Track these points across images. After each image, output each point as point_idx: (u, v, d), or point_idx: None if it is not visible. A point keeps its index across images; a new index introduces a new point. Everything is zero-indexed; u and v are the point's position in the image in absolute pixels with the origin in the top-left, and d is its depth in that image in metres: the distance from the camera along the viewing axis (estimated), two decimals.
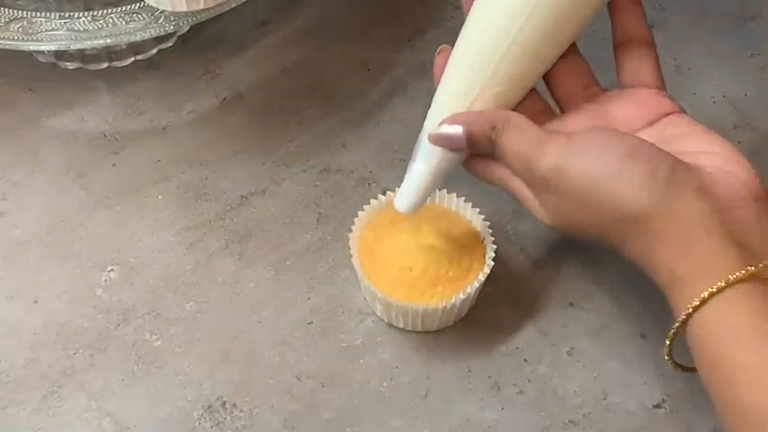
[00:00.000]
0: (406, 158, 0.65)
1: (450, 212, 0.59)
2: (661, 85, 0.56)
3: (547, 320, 0.59)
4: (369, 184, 0.64)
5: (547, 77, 0.57)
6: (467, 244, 0.57)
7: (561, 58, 0.55)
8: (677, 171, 0.48)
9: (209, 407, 0.56)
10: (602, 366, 0.57)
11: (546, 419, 0.55)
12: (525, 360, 0.58)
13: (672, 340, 0.49)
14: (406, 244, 0.57)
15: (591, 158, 0.49)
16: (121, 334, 0.58)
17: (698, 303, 0.46)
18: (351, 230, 0.58)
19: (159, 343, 0.58)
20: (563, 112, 0.57)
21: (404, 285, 0.56)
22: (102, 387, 0.57)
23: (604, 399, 0.56)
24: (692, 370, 0.49)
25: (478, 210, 0.59)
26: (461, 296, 0.55)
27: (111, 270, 0.61)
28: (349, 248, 0.57)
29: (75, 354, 0.58)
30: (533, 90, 0.56)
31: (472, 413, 0.56)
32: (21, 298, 0.60)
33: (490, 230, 0.58)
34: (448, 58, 0.54)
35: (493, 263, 0.57)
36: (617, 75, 0.57)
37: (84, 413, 0.56)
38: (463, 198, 0.59)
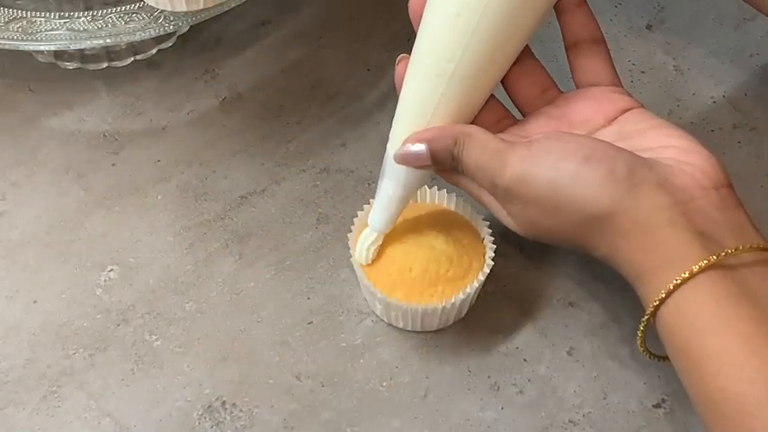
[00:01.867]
0: None
1: (450, 212, 0.59)
2: (617, 82, 0.56)
3: (547, 320, 0.59)
4: (369, 184, 0.64)
5: (505, 84, 0.57)
6: (467, 244, 0.57)
7: (517, 63, 0.56)
8: (635, 168, 0.49)
9: (209, 407, 0.56)
10: (602, 366, 0.57)
11: (546, 419, 0.55)
12: (525, 360, 0.58)
13: (643, 332, 0.50)
14: (405, 244, 0.57)
15: (550, 166, 0.50)
16: (121, 334, 0.58)
17: (664, 295, 0.48)
18: (351, 230, 0.58)
19: (159, 343, 0.58)
20: (524, 116, 0.57)
21: (404, 285, 0.56)
22: (102, 387, 0.57)
23: (604, 399, 0.56)
24: (666, 359, 0.50)
25: (478, 210, 0.59)
26: (461, 296, 0.55)
27: (111, 270, 0.61)
28: (349, 248, 0.57)
29: (74, 354, 0.58)
30: (493, 97, 0.56)
31: (472, 413, 0.56)
32: (20, 298, 0.60)
33: (490, 230, 0.58)
34: (406, 66, 0.54)
35: (493, 263, 0.57)
36: (572, 76, 0.57)
37: (83, 413, 0.56)
38: (463, 198, 0.59)
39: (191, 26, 0.66)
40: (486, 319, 0.59)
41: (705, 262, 0.47)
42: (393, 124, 0.55)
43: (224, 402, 0.56)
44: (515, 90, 0.57)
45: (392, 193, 0.55)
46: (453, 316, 0.58)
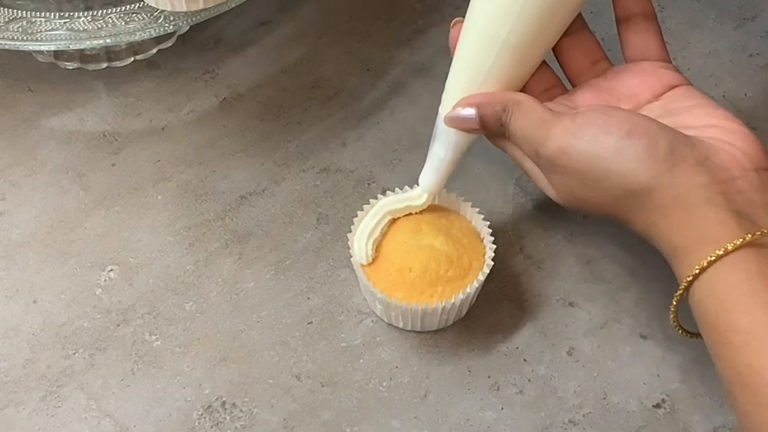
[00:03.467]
0: (406, 158, 0.65)
1: (450, 212, 0.59)
2: (666, 58, 0.57)
3: (547, 320, 0.59)
4: (368, 184, 0.64)
5: (557, 53, 0.58)
6: (467, 244, 0.57)
7: (570, 34, 0.57)
8: (676, 146, 0.50)
9: (209, 407, 0.56)
10: (602, 366, 0.57)
11: (546, 419, 0.55)
12: (525, 360, 0.58)
13: (676, 306, 0.51)
14: (405, 244, 0.57)
15: (593, 138, 0.51)
16: (121, 334, 0.58)
17: (698, 271, 0.48)
18: (350, 230, 0.58)
19: (159, 343, 0.58)
20: (573, 86, 0.58)
21: (404, 285, 0.56)
22: (102, 387, 0.57)
23: (604, 399, 0.56)
24: (698, 335, 0.51)
25: (478, 210, 0.59)
26: (461, 296, 0.55)
27: (111, 270, 0.61)
28: (348, 248, 0.57)
29: (74, 354, 0.58)
30: (545, 64, 0.57)
31: (472, 413, 0.56)
32: (20, 298, 0.60)
33: (490, 230, 0.58)
34: (460, 30, 0.56)
35: (493, 263, 0.57)
36: (622, 50, 0.58)
37: (83, 413, 0.56)
38: (463, 198, 0.59)
39: (191, 26, 0.66)
40: (486, 319, 0.59)
41: (740, 240, 0.48)
42: (445, 87, 0.56)
43: (224, 402, 0.56)
44: (567, 60, 0.58)
45: (443, 156, 0.56)
46: (453, 316, 0.58)
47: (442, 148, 0.56)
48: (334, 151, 0.66)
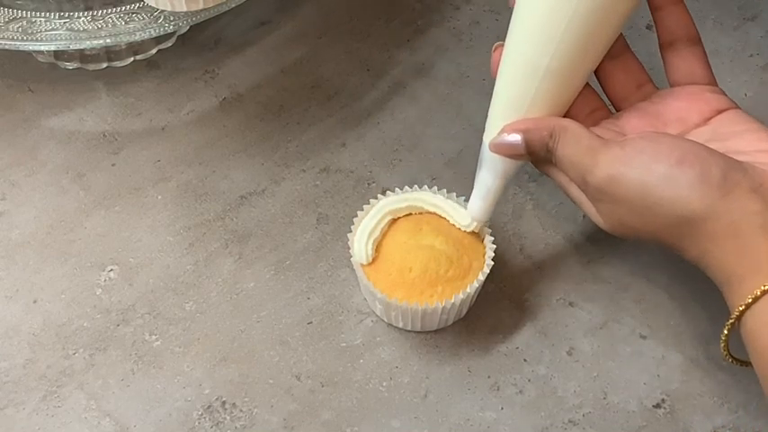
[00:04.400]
0: (406, 158, 0.65)
1: (450, 212, 0.59)
2: (713, 82, 0.56)
3: (547, 320, 0.59)
4: (368, 184, 0.64)
5: (600, 77, 0.57)
6: (467, 244, 0.57)
7: (613, 57, 0.56)
8: (729, 172, 0.49)
9: (209, 407, 0.56)
10: (602, 366, 0.57)
11: (546, 419, 0.55)
12: (525, 360, 0.58)
13: (727, 335, 0.50)
14: (405, 244, 0.57)
15: (643, 167, 0.50)
16: (121, 334, 0.58)
17: (751, 300, 0.47)
18: (350, 230, 0.58)
19: (159, 343, 0.58)
20: (618, 110, 0.57)
21: (404, 285, 0.56)
22: (102, 387, 0.57)
23: (604, 399, 0.56)
24: (748, 364, 0.50)
25: None
26: (461, 296, 0.55)
27: (111, 270, 0.61)
28: (349, 248, 0.57)
29: (74, 354, 0.58)
30: (588, 86, 0.56)
31: (472, 413, 0.56)
32: (20, 298, 0.60)
33: (490, 230, 0.58)
34: (501, 54, 0.55)
35: (493, 263, 0.57)
36: (666, 74, 0.57)
37: (83, 413, 0.56)
38: (463, 198, 0.59)
39: (191, 26, 0.66)
40: (487, 320, 0.59)
41: None
42: (489, 114, 0.55)
43: (224, 402, 0.56)
44: (610, 84, 0.57)
45: (490, 184, 0.56)
46: (453, 316, 0.58)
47: (489, 175, 0.55)
48: (334, 151, 0.66)
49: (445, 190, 0.59)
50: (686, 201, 0.49)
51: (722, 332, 0.50)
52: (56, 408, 0.56)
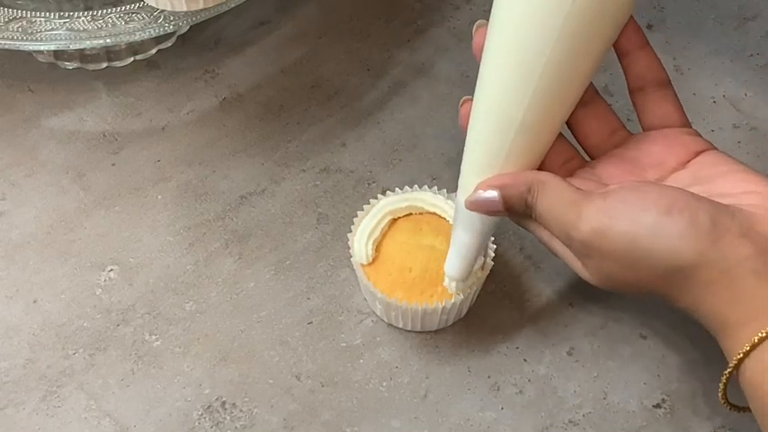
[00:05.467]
0: (406, 158, 0.65)
1: (450, 212, 0.59)
2: (687, 123, 0.55)
3: (547, 320, 0.59)
4: (369, 184, 0.64)
5: (572, 126, 0.56)
6: None
7: (585, 105, 0.55)
8: (718, 218, 0.48)
9: (209, 407, 0.56)
10: (602, 366, 0.57)
11: (546, 419, 0.55)
12: (525, 360, 0.58)
13: (726, 384, 0.49)
14: (406, 244, 0.57)
15: (630, 219, 0.49)
16: (121, 334, 0.58)
17: (749, 348, 0.46)
18: (350, 230, 0.58)
19: (159, 343, 0.58)
20: (592, 158, 0.56)
21: (404, 285, 0.56)
22: (102, 387, 0.56)
23: (604, 399, 0.56)
24: (746, 410, 0.49)
25: None
26: (461, 296, 0.55)
27: (111, 270, 0.61)
28: (349, 248, 0.57)
29: (74, 354, 0.58)
30: (560, 136, 0.55)
31: (472, 413, 0.56)
32: (20, 298, 0.60)
33: None
34: (470, 108, 0.53)
35: (493, 263, 0.57)
36: (639, 119, 0.56)
37: (83, 413, 0.56)
38: None
39: (191, 26, 0.66)
40: (487, 320, 0.59)
41: None
42: (461, 171, 0.54)
43: (224, 402, 0.56)
44: (583, 132, 0.56)
45: (468, 242, 0.54)
46: (453, 316, 0.58)
47: (466, 234, 0.54)
48: (334, 151, 0.66)
49: (445, 190, 0.59)
50: (677, 251, 0.48)
51: (720, 381, 0.49)
52: (56, 408, 0.56)
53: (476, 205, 0.52)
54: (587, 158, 0.56)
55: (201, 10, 0.63)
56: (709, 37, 0.72)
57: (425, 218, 0.58)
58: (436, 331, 0.58)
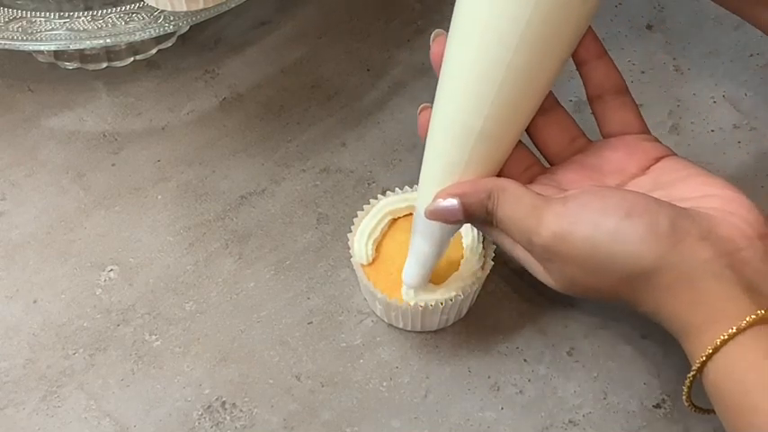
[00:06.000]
0: (406, 158, 0.66)
1: None
2: (646, 130, 0.55)
3: (547, 320, 0.59)
4: (369, 184, 0.64)
5: (532, 134, 0.56)
6: (466, 244, 0.57)
7: (544, 113, 0.55)
8: (678, 222, 0.48)
9: (209, 407, 0.56)
10: (602, 366, 0.57)
11: (546, 419, 0.55)
12: (525, 360, 0.58)
13: (689, 387, 0.49)
14: (405, 244, 0.56)
15: (590, 223, 0.49)
16: (121, 334, 0.58)
17: (711, 351, 0.47)
18: (350, 230, 0.58)
19: (159, 343, 0.58)
20: (552, 165, 0.56)
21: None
22: (102, 387, 0.57)
23: (604, 399, 0.56)
24: (711, 412, 0.49)
25: None
26: (461, 296, 0.55)
27: (111, 270, 0.61)
28: (349, 248, 0.57)
29: (74, 354, 0.58)
30: (520, 143, 0.55)
31: (472, 413, 0.56)
32: (20, 298, 0.60)
33: None
34: (429, 116, 0.53)
35: (493, 263, 0.57)
36: (599, 127, 0.56)
37: (83, 413, 0.56)
38: None
39: (191, 26, 0.66)
40: (487, 320, 0.59)
41: (753, 317, 0.46)
42: (420, 180, 0.54)
43: (224, 402, 0.56)
44: (543, 140, 0.56)
45: (427, 250, 0.54)
46: (453, 316, 0.58)
47: (426, 242, 0.53)
48: (334, 151, 0.66)
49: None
50: (637, 254, 0.48)
51: (684, 384, 0.49)
52: (56, 408, 0.56)
53: (436, 214, 0.52)
54: (548, 166, 0.56)
55: (201, 10, 0.63)
56: (709, 37, 0.72)
57: None
58: (436, 331, 0.58)
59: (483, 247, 0.57)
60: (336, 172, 0.65)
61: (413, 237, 0.54)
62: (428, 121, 0.53)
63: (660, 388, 0.56)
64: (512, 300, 0.60)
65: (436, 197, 0.52)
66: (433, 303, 0.55)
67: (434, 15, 0.73)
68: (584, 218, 0.49)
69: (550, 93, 0.55)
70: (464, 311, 0.58)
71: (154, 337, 0.58)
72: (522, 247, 0.52)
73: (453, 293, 0.55)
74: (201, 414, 0.56)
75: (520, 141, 0.54)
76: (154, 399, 0.56)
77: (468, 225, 0.57)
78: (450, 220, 0.52)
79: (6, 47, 0.63)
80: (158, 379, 0.57)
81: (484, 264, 0.57)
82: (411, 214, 0.58)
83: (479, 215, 0.52)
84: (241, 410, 0.56)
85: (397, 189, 0.59)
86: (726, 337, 0.46)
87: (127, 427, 0.55)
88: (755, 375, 0.46)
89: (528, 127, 0.54)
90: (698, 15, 0.73)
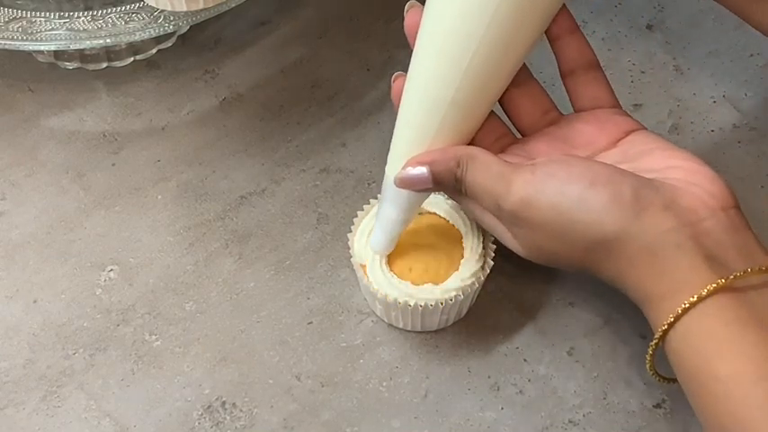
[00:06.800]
0: None
1: (450, 212, 0.59)
2: (617, 104, 0.56)
3: (547, 320, 0.59)
4: (369, 184, 0.64)
5: (505, 106, 0.57)
6: (466, 244, 0.57)
7: (517, 86, 0.55)
8: (641, 191, 0.49)
9: (209, 407, 0.56)
10: (602, 366, 0.57)
11: (546, 419, 0.55)
12: (525, 360, 0.58)
13: (652, 356, 0.50)
14: (406, 244, 0.56)
15: (555, 190, 0.49)
16: (121, 334, 0.58)
17: (672, 319, 0.47)
18: (351, 230, 0.58)
19: (159, 343, 0.58)
20: (524, 137, 0.57)
21: None
22: (102, 387, 0.57)
23: (604, 399, 0.56)
24: (674, 381, 0.50)
25: None
26: (461, 296, 0.55)
27: (111, 270, 0.61)
28: (349, 248, 0.57)
29: (74, 354, 0.58)
30: (492, 114, 0.55)
31: (472, 413, 0.56)
32: (20, 298, 0.60)
33: None
34: (403, 85, 0.54)
35: (493, 263, 0.57)
36: (571, 103, 0.57)
37: (83, 413, 0.56)
38: None
39: (191, 26, 0.66)
40: (486, 319, 0.59)
41: (713, 286, 0.46)
42: (391, 147, 0.54)
43: (224, 402, 0.56)
44: (516, 112, 0.57)
45: (394, 217, 0.54)
46: (453, 316, 0.58)
47: (393, 209, 0.54)
48: (334, 151, 0.66)
49: None
50: (600, 223, 0.49)
51: (647, 352, 0.50)
52: (56, 408, 0.56)
53: (405, 182, 0.53)
54: (519, 137, 0.57)
55: (201, 10, 0.63)
56: (709, 37, 0.72)
57: (425, 218, 0.58)
58: (436, 331, 0.58)
59: (483, 247, 0.57)
60: (336, 172, 0.65)
61: (380, 203, 0.55)
62: (401, 90, 0.54)
63: (660, 388, 0.56)
64: (512, 300, 0.60)
65: (406, 165, 0.53)
66: (433, 303, 0.55)
67: None
68: (550, 185, 0.50)
69: (524, 66, 0.55)
70: (464, 311, 0.58)
71: (154, 337, 0.58)
72: (490, 213, 0.53)
73: (453, 293, 0.55)
74: (201, 414, 0.56)
75: (492, 112, 0.55)
76: (154, 399, 0.56)
77: (470, 225, 0.57)
78: (419, 188, 0.53)
79: (6, 47, 0.63)
80: (158, 379, 0.57)
81: (484, 264, 0.57)
82: None
83: (448, 183, 0.52)
84: (241, 410, 0.56)
85: None
86: (687, 305, 0.47)
87: (127, 427, 0.55)
88: (715, 343, 0.46)
89: (501, 98, 0.55)
90: (698, 15, 0.73)
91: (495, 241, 0.57)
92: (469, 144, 0.54)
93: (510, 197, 0.50)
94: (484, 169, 0.51)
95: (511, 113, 0.57)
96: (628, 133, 0.54)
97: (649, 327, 0.58)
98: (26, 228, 0.63)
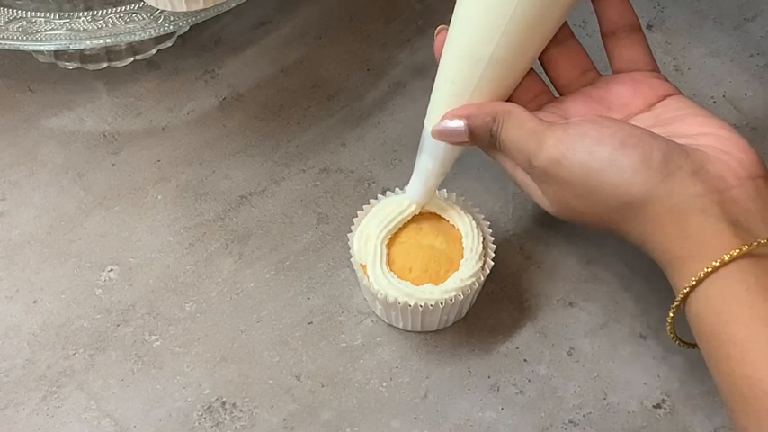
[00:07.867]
0: (406, 158, 0.65)
1: (450, 212, 0.59)
2: (655, 68, 0.57)
3: (547, 320, 0.59)
4: (369, 184, 0.64)
5: (544, 63, 0.58)
6: (466, 244, 0.57)
7: (557, 44, 0.56)
8: (671, 155, 0.49)
9: (209, 407, 0.56)
10: (602, 366, 0.57)
11: (546, 419, 0.55)
12: (525, 360, 0.58)
13: (673, 318, 0.50)
14: (405, 244, 0.57)
15: (587, 150, 0.50)
16: (121, 334, 0.58)
17: (695, 282, 0.48)
18: (351, 230, 0.58)
19: (159, 343, 0.58)
20: (562, 96, 0.58)
21: None
22: (102, 387, 0.57)
23: (604, 399, 0.56)
24: (694, 346, 0.50)
25: (478, 209, 0.59)
26: (461, 296, 0.55)
27: (111, 270, 0.61)
28: (348, 248, 0.57)
29: (74, 354, 0.58)
30: (532, 71, 0.56)
31: (472, 413, 0.56)
32: (20, 298, 0.60)
33: (490, 230, 0.58)
34: (445, 38, 0.55)
35: (493, 263, 0.57)
36: (610, 64, 0.57)
37: (83, 413, 0.56)
38: (463, 198, 0.59)
39: (191, 26, 0.66)
40: (487, 320, 0.59)
41: (736, 251, 0.47)
42: (431, 100, 0.55)
43: (224, 402, 0.56)
44: (554, 70, 0.58)
45: (431, 168, 0.56)
46: (453, 316, 0.58)
47: (430, 160, 0.55)
48: (334, 151, 0.66)
49: (445, 190, 0.59)
50: (628, 184, 0.49)
51: (668, 315, 0.50)
52: (56, 408, 0.56)
53: (442, 134, 0.54)
54: (557, 95, 0.58)
55: (201, 10, 0.63)
56: (709, 37, 0.72)
57: (425, 218, 0.58)
58: (436, 331, 0.58)
59: (483, 247, 0.57)
60: (336, 172, 0.65)
61: (419, 154, 0.56)
62: (443, 43, 0.55)
63: (660, 388, 0.56)
64: (512, 300, 0.60)
65: (443, 118, 0.54)
66: (432, 303, 0.55)
67: (434, 15, 0.73)
68: (581, 145, 0.51)
69: (565, 24, 0.56)
70: (464, 311, 0.58)
71: (154, 337, 0.58)
72: (522, 170, 0.54)
73: (453, 293, 0.55)
74: (201, 414, 0.56)
75: (532, 70, 0.56)
76: (154, 399, 0.56)
77: (469, 226, 0.57)
78: (456, 141, 0.54)
79: (6, 47, 0.63)
80: (158, 379, 0.57)
81: (484, 264, 0.57)
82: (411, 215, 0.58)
83: (484, 137, 0.53)
84: (241, 410, 0.56)
85: (397, 189, 0.59)
86: (709, 269, 0.47)
87: (127, 427, 0.55)
88: (735, 307, 0.47)
89: (541, 56, 0.57)
90: (698, 15, 0.73)
91: (495, 241, 0.57)
92: (508, 100, 0.55)
93: (542, 154, 0.51)
94: (518, 125, 0.52)
95: (550, 71, 0.58)
96: (664, 97, 0.55)
97: (649, 327, 0.59)
98: (26, 228, 0.63)
